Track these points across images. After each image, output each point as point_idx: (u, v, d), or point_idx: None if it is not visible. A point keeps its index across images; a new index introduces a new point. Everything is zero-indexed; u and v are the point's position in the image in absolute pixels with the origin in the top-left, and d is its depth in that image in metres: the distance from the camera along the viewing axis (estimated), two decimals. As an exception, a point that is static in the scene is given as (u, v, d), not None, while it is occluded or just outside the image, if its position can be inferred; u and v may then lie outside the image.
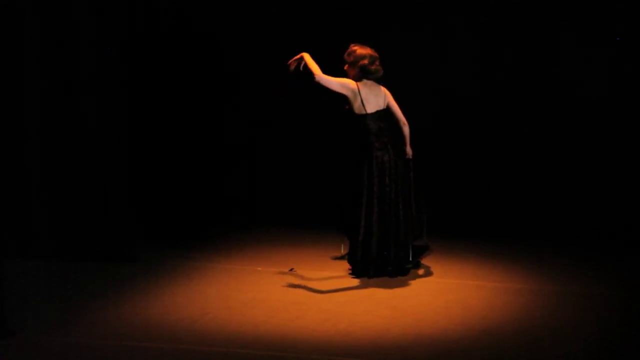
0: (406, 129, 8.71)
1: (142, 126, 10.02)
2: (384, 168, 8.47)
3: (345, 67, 8.61)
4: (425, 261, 8.97)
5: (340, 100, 8.59)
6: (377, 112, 8.54)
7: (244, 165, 11.02)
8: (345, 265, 8.70)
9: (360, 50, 8.54)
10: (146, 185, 10.14)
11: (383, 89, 8.62)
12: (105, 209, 8.92)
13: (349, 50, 8.59)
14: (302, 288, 8.16)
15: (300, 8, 10.69)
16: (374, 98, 8.54)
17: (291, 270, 8.71)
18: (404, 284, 8.32)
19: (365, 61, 8.48)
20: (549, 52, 10.49)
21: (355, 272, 8.55)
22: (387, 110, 8.63)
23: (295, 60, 8.54)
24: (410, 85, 10.01)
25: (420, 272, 8.66)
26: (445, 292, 8.04)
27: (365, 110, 8.50)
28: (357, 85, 8.50)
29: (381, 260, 8.47)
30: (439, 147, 10.42)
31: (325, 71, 8.51)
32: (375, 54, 8.54)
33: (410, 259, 8.79)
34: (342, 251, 8.91)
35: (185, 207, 10.59)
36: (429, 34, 10.56)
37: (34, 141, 9.03)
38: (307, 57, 8.50)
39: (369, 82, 8.56)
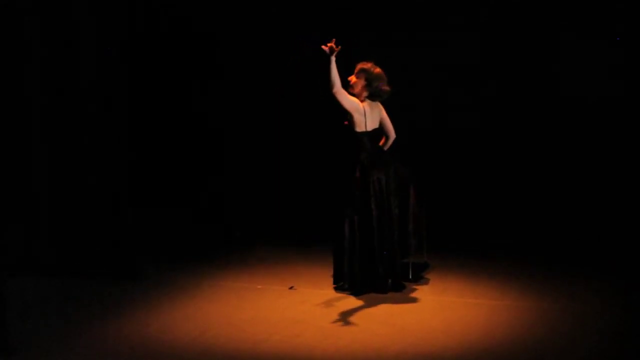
0: (390, 141, 8.72)
1: (143, 137, 10.08)
2: (378, 186, 8.46)
3: (353, 81, 8.55)
4: (424, 278, 8.97)
5: (342, 116, 8.59)
6: (374, 130, 8.58)
7: (245, 182, 11.04)
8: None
9: (377, 70, 8.49)
10: (148, 202, 10.17)
11: (379, 104, 8.63)
12: (107, 226, 8.92)
13: (366, 67, 8.51)
14: (302, 306, 8.16)
15: (300, 8, 10.70)
16: (373, 116, 8.56)
17: (291, 288, 8.71)
18: (403, 301, 8.32)
19: (384, 86, 8.50)
20: (548, 55, 10.50)
21: (339, 288, 8.59)
22: (380, 126, 8.65)
23: (331, 46, 8.29)
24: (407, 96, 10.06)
25: (419, 289, 8.66)
26: (445, 309, 8.05)
27: (366, 128, 8.53)
28: (363, 106, 8.51)
29: (367, 277, 8.47)
30: (437, 165, 10.44)
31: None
32: (384, 75, 8.51)
33: (410, 277, 8.81)
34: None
35: (186, 224, 10.62)
36: (429, 42, 10.55)
37: (37, 155, 9.04)
38: (334, 62, 8.33)
39: (373, 102, 8.56)
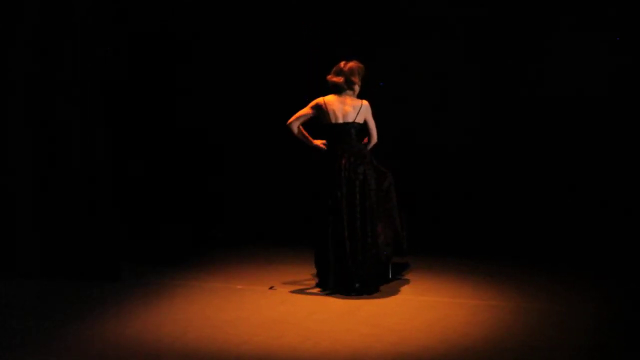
0: (371, 143, 8.70)
1: (126, 143, 10.06)
2: (351, 181, 8.46)
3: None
4: (405, 279, 9.00)
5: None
6: (346, 123, 8.53)
7: (226, 183, 11.03)
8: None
9: (341, 64, 8.55)
10: (130, 204, 10.15)
11: (363, 102, 8.57)
12: (90, 228, 8.88)
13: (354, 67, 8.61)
14: (283, 306, 8.15)
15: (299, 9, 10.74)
16: (343, 109, 8.52)
17: (271, 288, 8.70)
18: (384, 301, 8.33)
19: (329, 74, 8.55)
20: (542, 63, 10.58)
21: (319, 284, 8.62)
22: (363, 125, 8.61)
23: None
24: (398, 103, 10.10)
25: (401, 289, 8.67)
26: (426, 309, 8.05)
27: (329, 121, 8.55)
28: (324, 100, 8.54)
29: (342, 273, 8.46)
30: (422, 164, 10.46)
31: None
32: (345, 68, 8.51)
33: (390, 276, 8.82)
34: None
35: (167, 225, 10.61)
36: (423, 57, 10.61)
37: (19, 160, 8.99)
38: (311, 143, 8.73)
39: (341, 95, 8.55)
